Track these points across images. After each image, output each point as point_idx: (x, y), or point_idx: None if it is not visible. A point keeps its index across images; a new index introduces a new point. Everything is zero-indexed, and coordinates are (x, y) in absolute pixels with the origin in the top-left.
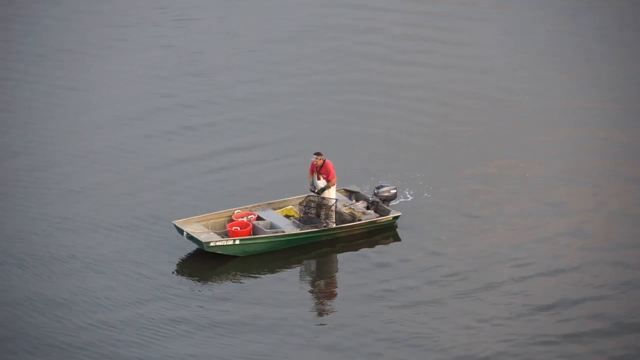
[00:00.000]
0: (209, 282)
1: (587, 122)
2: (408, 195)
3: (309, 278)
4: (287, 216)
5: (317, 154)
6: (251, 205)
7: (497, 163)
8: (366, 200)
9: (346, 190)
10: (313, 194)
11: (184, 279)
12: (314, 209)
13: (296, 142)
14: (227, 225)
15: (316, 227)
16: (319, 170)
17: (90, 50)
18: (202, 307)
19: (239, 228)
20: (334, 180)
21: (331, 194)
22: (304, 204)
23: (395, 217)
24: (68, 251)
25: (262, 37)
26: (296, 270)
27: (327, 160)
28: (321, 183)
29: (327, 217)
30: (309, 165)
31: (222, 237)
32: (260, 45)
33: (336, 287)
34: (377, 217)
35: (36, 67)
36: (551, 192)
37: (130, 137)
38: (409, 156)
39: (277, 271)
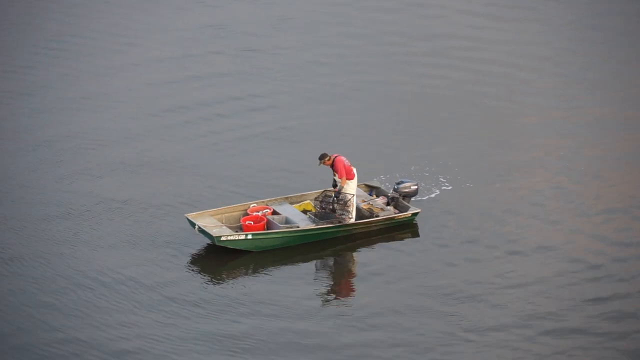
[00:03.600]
0: (220, 279)
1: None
2: (446, 184)
3: (323, 276)
4: (305, 211)
5: (321, 157)
6: (268, 200)
7: (540, 151)
8: (386, 196)
9: (367, 186)
10: (330, 188)
11: (194, 275)
12: (330, 203)
13: (322, 131)
14: (241, 220)
15: (332, 223)
16: (333, 169)
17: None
18: (211, 304)
19: (252, 222)
20: (343, 179)
21: (349, 188)
22: (320, 199)
23: (415, 214)
24: (73, 244)
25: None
26: (310, 267)
27: (337, 157)
28: (343, 182)
29: (344, 212)
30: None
31: (235, 232)
32: (290, 27)
33: (350, 285)
34: (395, 214)
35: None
36: (596, 185)
37: (146, 122)
38: (450, 143)
39: (291, 268)
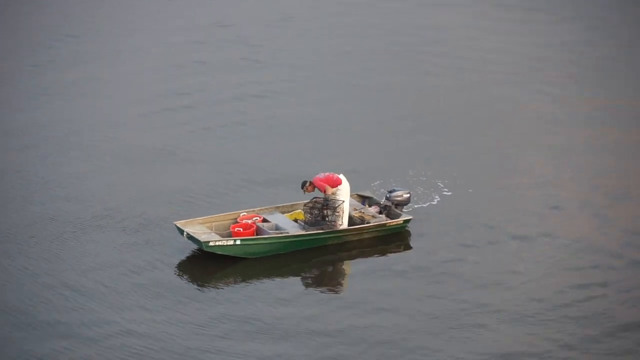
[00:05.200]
0: (209, 286)
1: None
2: (445, 189)
3: (312, 283)
4: (296, 220)
5: (302, 185)
6: (258, 208)
7: (545, 155)
8: (378, 204)
9: (359, 196)
10: (319, 196)
11: (182, 283)
12: (320, 210)
13: (319, 134)
14: (231, 227)
15: (323, 229)
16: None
17: None
18: (200, 312)
19: (241, 229)
20: (328, 189)
21: (339, 194)
22: (310, 205)
23: (406, 221)
24: (59, 250)
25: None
26: (300, 275)
27: (314, 180)
28: (329, 191)
29: (334, 217)
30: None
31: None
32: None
33: (341, 293)
34: (387, 220)
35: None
36: (595, 196)
37: (141, 129)
38: (449, 147)
39: (280, 275)
